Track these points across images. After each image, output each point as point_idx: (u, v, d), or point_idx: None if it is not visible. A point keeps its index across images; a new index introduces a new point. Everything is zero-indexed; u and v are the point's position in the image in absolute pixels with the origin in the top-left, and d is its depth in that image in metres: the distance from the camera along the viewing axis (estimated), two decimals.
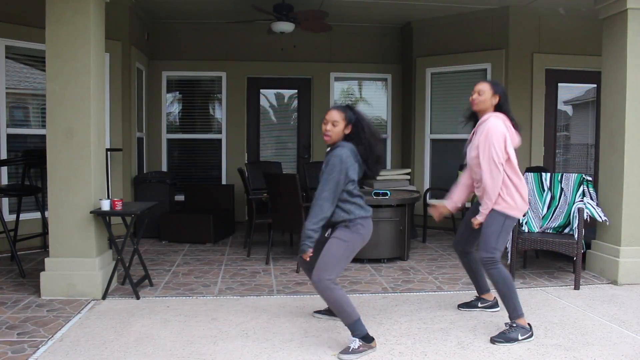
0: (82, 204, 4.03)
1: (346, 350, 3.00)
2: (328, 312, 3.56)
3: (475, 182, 3.56)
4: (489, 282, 3.64)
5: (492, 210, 3.35)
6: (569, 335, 3.32)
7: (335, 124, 3.17)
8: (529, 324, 3.30)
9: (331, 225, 3.19)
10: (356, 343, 3.01)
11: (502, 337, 3.20)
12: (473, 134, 3.50)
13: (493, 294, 3.76)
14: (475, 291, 3.89)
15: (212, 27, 7.54)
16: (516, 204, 3.35)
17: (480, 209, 3.39)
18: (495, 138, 3.28)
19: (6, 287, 4.27)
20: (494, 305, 3.80)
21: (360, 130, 3.16)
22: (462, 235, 3.74)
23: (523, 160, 5.71)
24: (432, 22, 7.23)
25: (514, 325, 3.25)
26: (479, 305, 3.81)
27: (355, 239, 3.13)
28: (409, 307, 3.87)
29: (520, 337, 3.20)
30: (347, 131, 3.18)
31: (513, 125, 3.39)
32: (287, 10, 6.06)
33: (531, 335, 3.24)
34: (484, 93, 3.40)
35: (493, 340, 3.20)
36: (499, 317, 3.63)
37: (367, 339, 3.04)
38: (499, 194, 3.32)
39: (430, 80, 7.37)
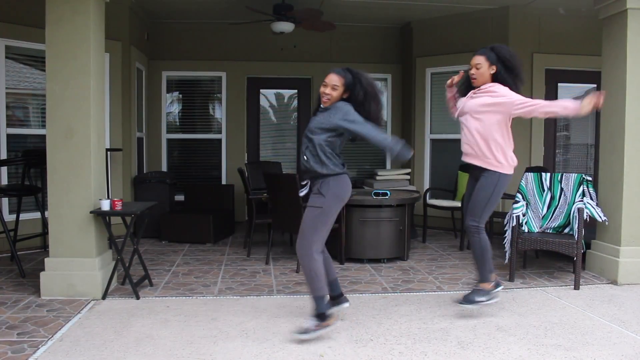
0: (82, 204, 4.03)
1: (301, 330, 3.19)
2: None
3: (468, 145, 3.63)
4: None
5: (487, 170, 3.52)
6: (569, 335, 3.32)
7: (335, 88, 3.25)
8: (492, 285, 3.57)
9: (308, 177, 3.33)
10: (311, 322, 3.20)
11: (467, 300, 3.53)
12: (470, 96, 3.60)
13: (492, 283, 3.72)
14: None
15: (212, 27, 7.54)
16: (508, 163, 3.53)
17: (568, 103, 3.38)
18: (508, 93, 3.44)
19: (6, 287, 4.27)
20: (498, 284, 3.70)
21: (358, 94, 3.23)
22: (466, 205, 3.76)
23: (523, 160, 5.71)
24: (432, 22, 7.23)
25: (477, 288, 3.55)
26: (476, 299, 3.71)
27: (329, 202, 3.22)
28: (409, 307, 3.87)
29: (477, 299, 3.51)
30: (345, 96, 3.26)
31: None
32: (286, 10, 6.06)
33: (491, 298, 3.53)
34: (482, 66, 3.51)
35: (460, 301, 3.55)
36: (499, 317, 3.63)
37: (322, 318, 3.21)
38: (495, 154, 3.48)
39: (430, 80, 7.37)
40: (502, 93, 3.46)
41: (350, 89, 3.25)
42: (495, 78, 3.53)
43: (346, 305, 3.53)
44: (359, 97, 3.23)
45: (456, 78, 3.75)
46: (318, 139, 3.23)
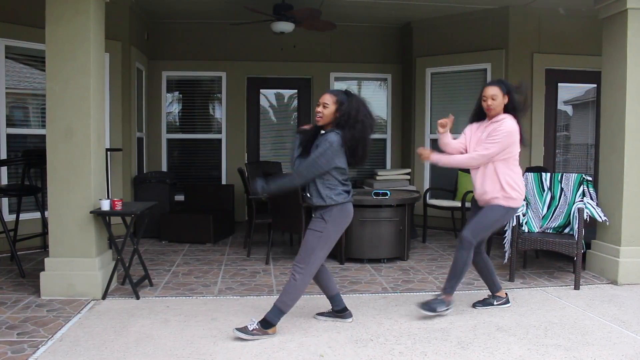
0: (82, 204, 4.03)
1: (242, 329, 3.21)
2: (331, 314, 3.58)
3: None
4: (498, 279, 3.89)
5: (497, 205, 3.59)
6: (569, 335, 3.32)
7: (325, 106, 3.27)
8: (450, 299, 3.64)
9: (312, 207, 3.35)
10: (253, 325, 3.22)
11: (427, 306, 3.58)
12: (485, 126, 3.67)
13: (504, 290, 3.95)
14: (488, 290, 3.94)
15: (212, 27, 7.54)
16: (519, 194, 3.61)
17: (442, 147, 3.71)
18: (508, 141, 3.53)
19: (6, 287, 4.27)
20: (507, 301, 3.88)
21: (349, 116, 3.20)
22: None
23: (523, 160, 5.69)
24: (432, 22, 7.23)
25: (440, 298, 3.62)
26: (495, 303, 3.86)
27: (329, 229, 3.26)
28: (409, 307, 3.86)
29: (438, 309, 3.58)
30: (338, 114, 3.25)
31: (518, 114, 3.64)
32: (286, 10, 6.05)
33: (447, 309, 3.62)
34: (497, 97, 3.57)
35: (420, 305, 3.58)
36: (499, 317, 3.64)
37: (267, 326, 3.24)
38: (504, 189, 3.55)
39: (430, 80, 7.37)
40: (501, 135, 3.56)
41: (342, 107, 3.23)
42: (506, 108, 3.61)
43: (350, 320, 3.54)
44: (344, 117, 3.20)
45: (449, 122, 3.75)
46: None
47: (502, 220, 3.67)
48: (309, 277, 3.29)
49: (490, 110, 3.59)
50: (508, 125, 3.53)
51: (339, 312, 3.54)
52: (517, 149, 3.60)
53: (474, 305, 3.85)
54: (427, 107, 7.38)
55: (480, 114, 3.72)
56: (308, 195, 3.33)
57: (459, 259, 3.59)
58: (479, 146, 3.60)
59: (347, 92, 3.31)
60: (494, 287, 3.89)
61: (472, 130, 3.75)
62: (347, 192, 3.31)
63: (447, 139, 3.80)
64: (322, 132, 3.31)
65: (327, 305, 3.68)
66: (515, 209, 3.65)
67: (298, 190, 4.88)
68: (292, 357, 2.99)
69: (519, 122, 3.59)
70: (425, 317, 3.62)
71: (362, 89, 8.25)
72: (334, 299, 3.54)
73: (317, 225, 3.28)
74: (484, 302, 3.87)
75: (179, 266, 5.11)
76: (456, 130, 4.08)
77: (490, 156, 3.54)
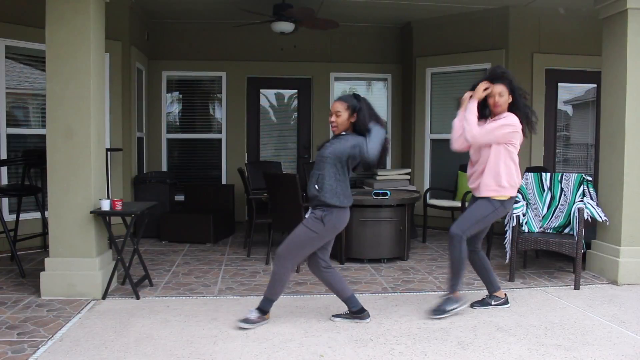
0: (82, 204, 4.03)
1: (244, 319, 3.40)
2: (348, 315, 3.56)
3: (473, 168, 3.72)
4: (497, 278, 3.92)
5: (487, 198, 3.60)
6: (569, 335, 3.32)
7: (338, 114, 3.31)
8: (458, 295, 3.68)
9: (315, 204, 3.34)
10: (254, 314, 3.42)
11: (437, 311, 3.61)
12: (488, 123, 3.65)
13: (504, 291, 3.95)
14: (486, 289, 3.93)
15: (212, 27, 7.54)
16: (512, 187, 3.61)
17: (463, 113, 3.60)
18: (511, 135, 3.55)
19: (6, 287, 4.27)
20: (506, 302, 3.87)
21: (364, 118, 3.27)
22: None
23: (523, 160, 5.69)
24: (432, 22, 7.23)
25: (447, 297, 3.66)
26: (493, 303, 3.85)
27: (325, 232, 3.32)
28: (409, 307, 3.87)
29: (448, 308, 3.60)
30: (353, 119, 3.31)
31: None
32: (284, 10, 6.05)
33: (460, 305, 3.64)
34: (504, 94, 3.57)
35: (431, 317, 3.58)
36: (499, 317, 3.64)
37: (264, 312, 3.45)
38: (500, 176, 3.55)
39: (430, 80, 7.37)
40: (501, 126, 3.57)
41: (356, 111, 3.30)
42: (510, 107, 3.62)
43: (367, 320, 3.54)
44: (364, 118, 3.27)
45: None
46: (331, 167, 3.27)
47: (491, 216, 3.62)
48: (292, 269, 3.42)
49: (496, 106, 3.58)
50: (513, 118, 3.55)
51: (357, 313, 3.53)
52: (518, 142, 3.61)
53: (472, 306, 3.85)
54: (427, 107, 7.38)
55: (481, 112, 3.69)
56: (316, 187, 3.29)
57: (452, 255, 3.63)
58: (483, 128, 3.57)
59: (356, 96, 3.34)
60: (491, 287, 3.88)
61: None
62: (350, 195, 3.38)
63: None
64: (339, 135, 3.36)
65: (327, 304, 3.68)
66: (506, 203, 3.61)
67: (298, 190, 4.88)
68: (292, 357, 2.99)
69: (521, 122, 3.59)
70: (466, 311, 3.70)
71: (362, 89, 8.25)
72: (349, 300, 3.52)
73: (315, 225, 3.30)
74: (482, 302, 3.86)
75: (179, 266, 5.11)
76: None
77: (492, 132, 3.52)
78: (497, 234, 5.72)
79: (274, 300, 3.46)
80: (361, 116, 3.28)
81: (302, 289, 4.33)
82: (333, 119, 3.33)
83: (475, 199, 3.74)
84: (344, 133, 3.36)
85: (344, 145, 3.27)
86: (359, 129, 3.31)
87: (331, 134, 3.59)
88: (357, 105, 3.29)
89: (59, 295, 3.99)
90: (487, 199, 3.60)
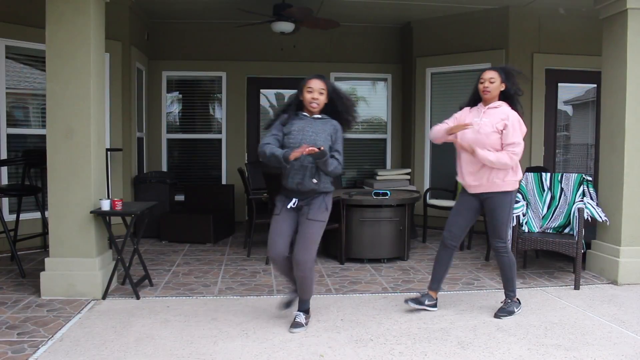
0: (82, 204, 4.03)
1: (297, 325, 3.36)
2: (416, 301, 3.72)
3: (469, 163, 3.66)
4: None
5: (502, 192, 3.56)
6: (569, 335, 3.32)
7: (321, 92, 3.29)
8: (517, 299, 3.78)
9: (309, 196, 3.31)
10: (302, 318, 3.40)
11: (505, 312, 3.66)
12: (481, 111, 3.63)
13: (438, 294, 3.88)
14: (428, 285, 3.83)
15: (212, 27, 7.54)
16: (517, 166, 3.63)
17: (484, 153, 3.50)
18: (522, 133, 3.56)
19: (6, 287, 4.27)
20: (435, 305, 3.78)
21: (338, 101, 3.32)
22: (457, 227, 3.73)
23: (523, 160, 5.70)
24: (432, 22, 7.23)
25: (513, 300, 3.73)
26: (426, 302, 3.74)
27: (327, 217, 3.36)
28: (409, 306, 3.86)
29: (516, 310, 3.69)
30: (326, 100, 3.32)
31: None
32: (284, 10, 6.05)
33: (520, 307, 3.75)
34: (495, 80, 3.56)
35: (498, 315, 3.63)
36: (499, 317, 3.64)
37: (308, 312, 3.48)
38: (506, 174, 3.55)
39: (430, 80, 7.37)
40: (514, 128, 3.53)
41: (330, 94, 3.31)
42: (502, 95, 3.60)
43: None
44: (339, 102, 3.32)
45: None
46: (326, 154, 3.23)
47: (512, 207, 3.65)
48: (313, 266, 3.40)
49: (486, 92, 3.54)
50: (513, 114, 3.54)
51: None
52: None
53: (406, 301, 3.75)
54: (427, 107, 7.38)
55: (475, 99, 3.69)
56: (314, 181, 3.26)
57: (503, 265, 3.69)
58: (507, 148, 3.50)
59: (325, 77, 3.38)
60: (434, 284, 3.78)
61: (464, 114, 3.70)
62: None
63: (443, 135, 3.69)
64: (316, 116, 3.35)
65: (327, 304, 3.68)
66: (514, 192, 3.63)
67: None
68: (292, 357, 2.99)
69: (515, 110, 3.60)
70: (466, 311, 3.76)
71: (362, 89, 8.25)
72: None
73: (320, 215, 3.31)
74: (417, 301, 3.74)
75: (179, 266, 5.11)
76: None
77: (521, 150, 3.52)
78: None
79: (310, 298, 3.50)
80: (336, 97, 3.31)
81: None
82: (316, 95, 3.26)
83: (474, 196, 3.66)
84: (322, 116, 3.33)
85: (329, 126, 3.29)
86: (332, 110, 3.32)
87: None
88: (331, 88, 3.32)
89: (59, 295, 3.99)
90: (506, 192, 3.56)
